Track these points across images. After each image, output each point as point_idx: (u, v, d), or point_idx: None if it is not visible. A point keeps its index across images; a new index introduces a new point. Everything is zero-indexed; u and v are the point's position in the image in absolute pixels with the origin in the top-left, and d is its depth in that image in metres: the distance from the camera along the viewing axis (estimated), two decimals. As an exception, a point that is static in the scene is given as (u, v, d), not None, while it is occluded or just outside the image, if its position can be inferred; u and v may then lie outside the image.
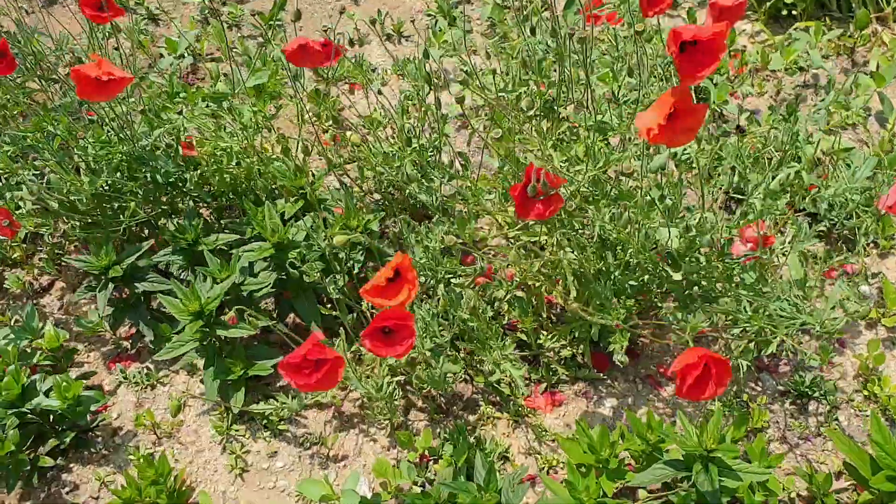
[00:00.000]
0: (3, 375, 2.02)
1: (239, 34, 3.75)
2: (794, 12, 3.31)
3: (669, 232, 1.75)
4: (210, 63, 3.55)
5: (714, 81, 2.81)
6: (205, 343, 1.97)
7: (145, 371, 2.19)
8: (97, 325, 2.23)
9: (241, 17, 3.71)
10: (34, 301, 2.43)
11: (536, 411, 2.08)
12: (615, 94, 2.04)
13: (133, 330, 2.29)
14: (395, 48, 3.74)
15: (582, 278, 1.91)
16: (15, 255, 2.51)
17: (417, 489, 1.88)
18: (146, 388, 2.16)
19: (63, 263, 2.50)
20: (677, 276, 1.73)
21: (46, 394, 1.94)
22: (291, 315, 2.26)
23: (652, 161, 1.79)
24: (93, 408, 1.98)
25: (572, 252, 1.87)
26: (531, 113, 1.97)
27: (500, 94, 1.93)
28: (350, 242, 2.19)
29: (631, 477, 1.70)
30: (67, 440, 1.95)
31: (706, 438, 1.55)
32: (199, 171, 2.27)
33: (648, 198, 1.77)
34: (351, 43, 2.40)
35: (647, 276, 1.85)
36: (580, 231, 1.92)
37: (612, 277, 1.86)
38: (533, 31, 1.95)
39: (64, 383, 1.90)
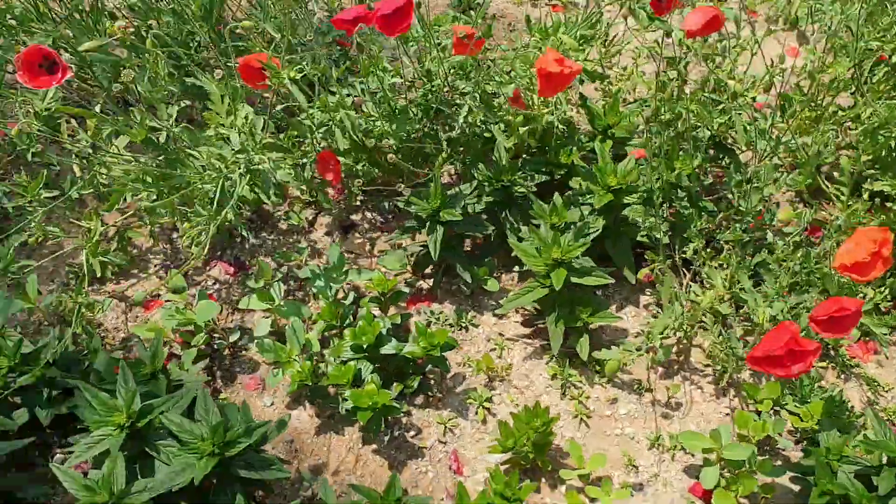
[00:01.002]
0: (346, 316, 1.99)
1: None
2: None
3: None
4: None
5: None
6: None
7: (453, 313, 2.16)
8: (402, 266, 2.19)
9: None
10: (303, 237, 2.38)
11: (858, 361, 2.10)
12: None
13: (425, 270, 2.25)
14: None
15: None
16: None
17: (783, 440, 1.90)
18: (460, 329, 2.13)
19: (325, 199, 2.43)
20: None
21: (398, 337, 1.92)
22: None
23: None
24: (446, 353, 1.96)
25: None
26: None
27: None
28: (672, 187, 2.15)
29: None
30: (415, 385, 1.94)
31: None
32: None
33: None
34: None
35: None
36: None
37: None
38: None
39: (428, 330, 1.87)
